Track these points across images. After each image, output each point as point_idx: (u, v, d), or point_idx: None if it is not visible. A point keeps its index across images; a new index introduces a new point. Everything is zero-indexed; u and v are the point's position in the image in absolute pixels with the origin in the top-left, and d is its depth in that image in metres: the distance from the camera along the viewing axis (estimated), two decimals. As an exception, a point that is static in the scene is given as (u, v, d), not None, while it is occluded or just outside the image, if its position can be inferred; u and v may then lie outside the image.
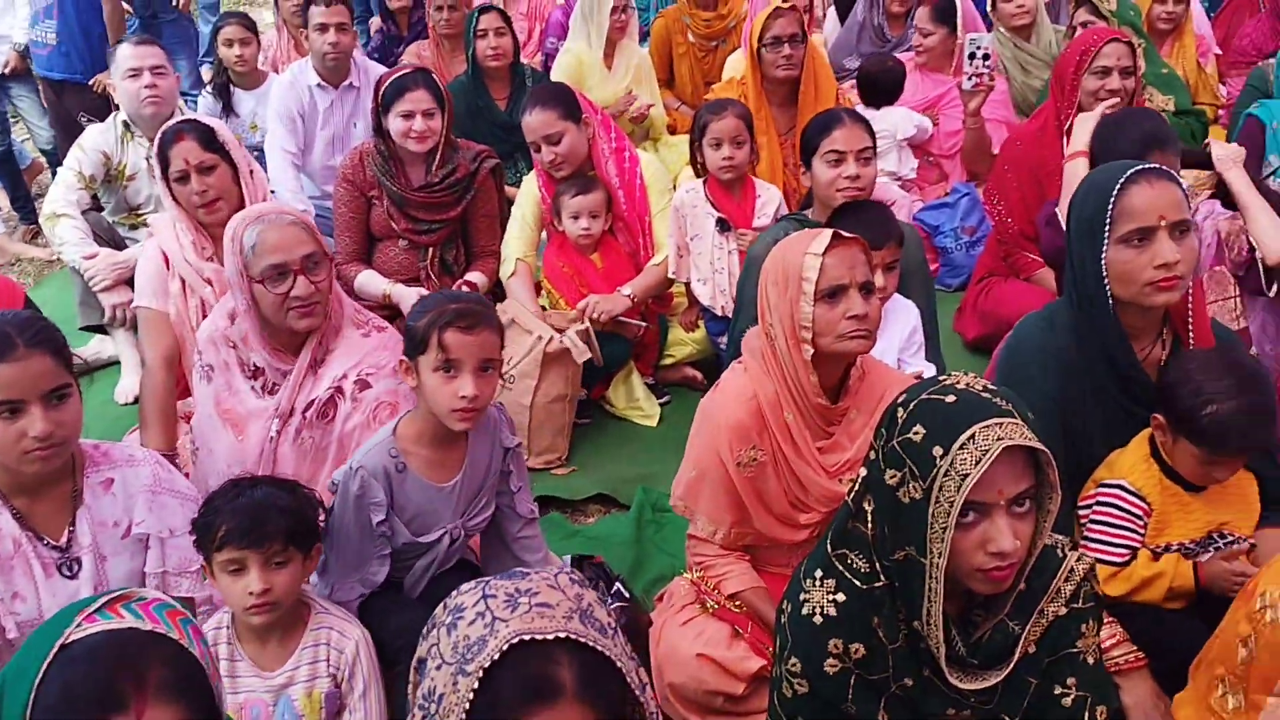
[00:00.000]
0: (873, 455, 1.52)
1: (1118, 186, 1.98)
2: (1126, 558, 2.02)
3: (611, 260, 3.33)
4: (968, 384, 1.44)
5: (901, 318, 2.70)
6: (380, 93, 3.42)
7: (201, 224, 2.83)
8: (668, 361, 3.45)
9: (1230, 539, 2.03)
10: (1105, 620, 1.94)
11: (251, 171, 2.91)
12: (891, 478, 1.45)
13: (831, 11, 6.06)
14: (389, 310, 3.46)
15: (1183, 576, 1.98)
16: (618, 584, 2.29)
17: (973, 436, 1.37)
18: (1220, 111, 5.08)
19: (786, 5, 3.83)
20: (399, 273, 3.54)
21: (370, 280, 3.49)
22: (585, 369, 3.15)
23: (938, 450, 1.38)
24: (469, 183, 3.52)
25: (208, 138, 2.81)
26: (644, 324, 3.33)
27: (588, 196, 3.26)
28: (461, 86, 4.52)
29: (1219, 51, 5.52)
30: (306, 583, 1.91)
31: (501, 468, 2.18)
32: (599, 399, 3.37)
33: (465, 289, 3.45)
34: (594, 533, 2.83)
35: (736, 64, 4.67)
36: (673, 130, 5.26)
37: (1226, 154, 2.74)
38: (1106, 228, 1.99)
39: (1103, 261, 2.00)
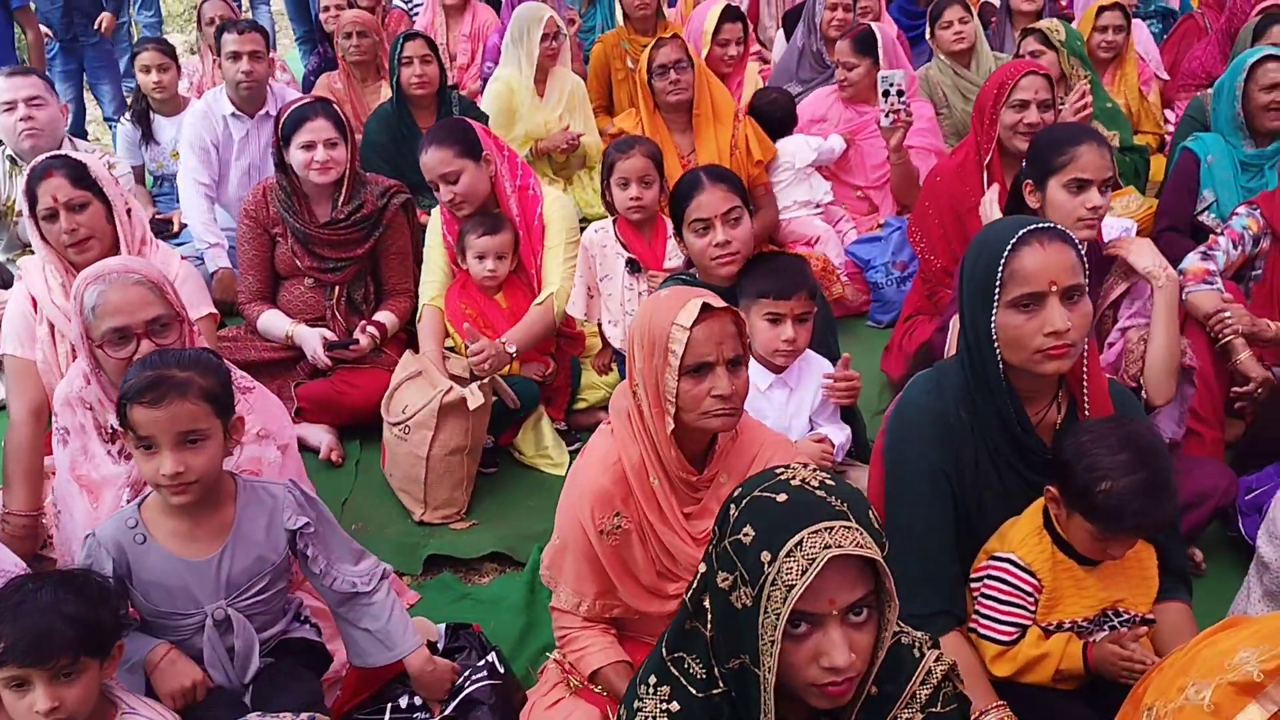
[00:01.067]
0: (710, 550, 1.40)
1: (1008, 247, 1.87)
2: (1015, 636, 1.91)
3: (516, 301, 3.20)
4: (803, 479, 1.33)
5: (816, 376, 2.59)
6: (280, 125, 3.29)
7: (72, 264, 2.66)
8: (580, 406, 3.32)
9: (1126, 617, 1.92)
10: (995, 704, 1.84)
11: (129, 210, 2.77)
12: (724, 581, 1.33)
13: (779, 35, 6.00)
14: (295, 351, 3.34)
15: (1071, 658, 1.86)
16: (492, 656, 2.16)
17: (800, 543, 1.25)
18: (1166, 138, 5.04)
19: (669, 35, 3.89)
20: (304, 312, 3.41)
21: (273, 321, 3.36)
22: (495, 413, 3.02)
23: (765, 556, 1.27)
24: (378, 219, 3.40)
25: (78, 174, 2.65)
26: (551, 368, 3.21)
27: (495, 237, 3.13)
28: (385, 115, 4.41)
29: (1166, 77, 5.48)
30: (112, 678, 1.75)
31: (294, 549, 1.99)
32: (508, 446, 3.23)
33: (373, 329, 3.33)
34: (486, 595, 2.68)
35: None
36: (609, 158, 5.16)
37: (1156, 266, 2.63)
38: (996, 290, 1.88)
39: (993, 325, 1.90)
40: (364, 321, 3.36)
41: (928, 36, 4.89)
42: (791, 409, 2.60)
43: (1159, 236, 3.73)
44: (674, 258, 3.14)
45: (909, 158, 3.95)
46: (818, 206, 4.18)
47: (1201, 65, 5.24)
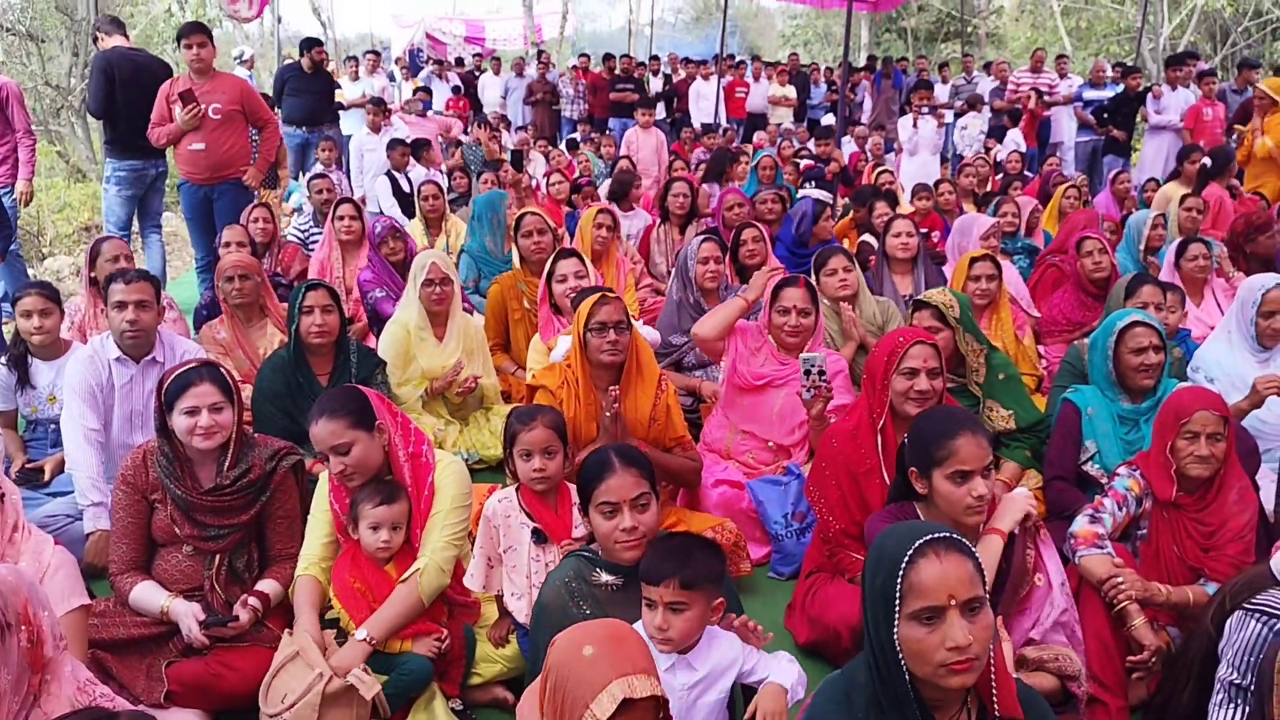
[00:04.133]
0: None
1: (906, 559, 1.88)
2: None
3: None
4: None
5: (729, 653, 2.49)
6: (163, 390, 3.19)
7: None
8: (475, 681, 3.13)
9: None
10: None
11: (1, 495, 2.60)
12: None
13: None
14: (168, 625, 3.13)
15: None
16: None
17: None
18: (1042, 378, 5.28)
19: (612, 294, 3.85)
20: (180, 582, 3.20)
21: (146, 595, 3.14)
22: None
23: None
24: (265, 483, 3.27)
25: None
26: (446, 640, 3.06)
27: (391, 507, 3.02)
28: (280, 362, 4.35)
29: (1037, 314, 5.79)
30: None
31: None
32: (399, 730, 3.02)
33: (255, 601, 3.15)
34: None
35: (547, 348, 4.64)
36: (508, 396, 5.16)
37: (1009, 520, 2.75)
38: (897, 602, 1.87)
39: (895, 637, 1.88)
40: (245, 594, 3.17)
41: (815, 282, 5.09)
42: (696, 692, 2.50)
43: (1048, 486, 3.85)
44: (581, 526, 3.08)
45: (828, 421, 4.00)
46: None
47: (1062, 313, 5.58)
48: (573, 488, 3.22)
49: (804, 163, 10.22)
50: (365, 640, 2.87)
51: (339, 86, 12.39)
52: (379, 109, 10.01)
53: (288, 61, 11.49)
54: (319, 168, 9.29)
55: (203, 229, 7.02)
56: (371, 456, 3.08)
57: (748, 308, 4.31)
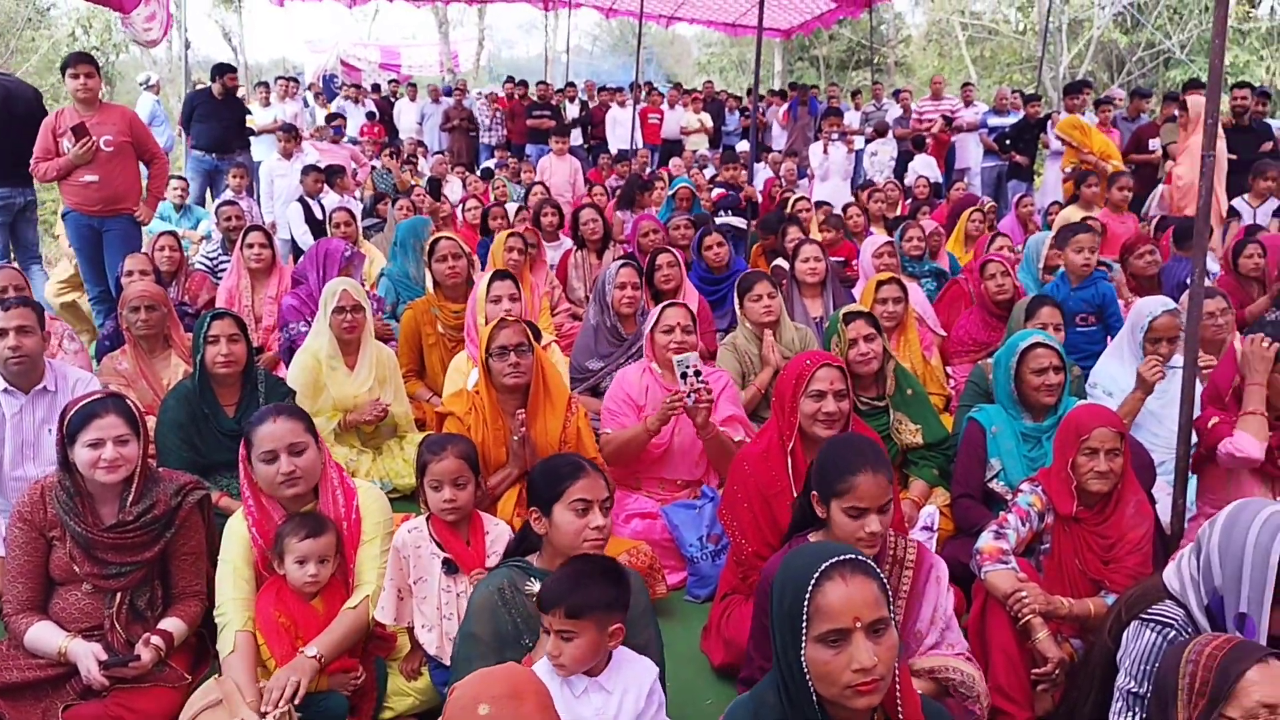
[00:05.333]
0: None
1: (812, 582, 1.91)
2: None
3: (334, 606, 3.00)
4: None
5: (640, 677, 2.49)
6: (65, 422, 3.10)
7: None
8: (387, 715, 3.08)
9: None
10: None
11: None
12: None
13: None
14: (66, 666, 3.02)
15: None
16: None
17: None
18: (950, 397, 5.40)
19: (512, 318, 3.87)
20: (79, 621, 3.10)
21: (43, 635, 3.03)
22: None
23: None
24: (170, 519, 3.18)
25: None
26: (361, 675, 3.00)
27: (318, 540, 2.96)
28: (185, 392, 4.23)
29: (944, 333, 5.93)
30: None
31: None
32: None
33: (157, 640, 3.06)
34: None
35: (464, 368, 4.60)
36: (422, 424, 5.11)
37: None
38: (803, 625, 1.90)
39: (803, 658, 1.90)
40: (148, 633, 3.08)
41: (737, 308, 5.15)
42: (610, 712, 2.50)
43: (955, 503, 3.94)
44: (493, 555, 3.06)
45: (719, 431, 4.04)
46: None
47: (968, 333, 5.73)
48: (486, 516, 3.22)
49: (716, 191, 10.35)
50: (315, 658, 2.82)
51: (249, 112, 12.21)
52: (290, 135, 9.88)
53: (199, 87, 11.28)
54: (229, 194, 9.13)
55: (92, 261, 6.81)
56: (316, 467, 3.07)
57: (648, 438, 4.11)
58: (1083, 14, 21.52)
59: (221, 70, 10.31)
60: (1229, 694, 2.04)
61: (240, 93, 11.05)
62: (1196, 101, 8.70)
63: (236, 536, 3.11)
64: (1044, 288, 5.97)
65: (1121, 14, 20.94)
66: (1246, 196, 8.61)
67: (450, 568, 3.03)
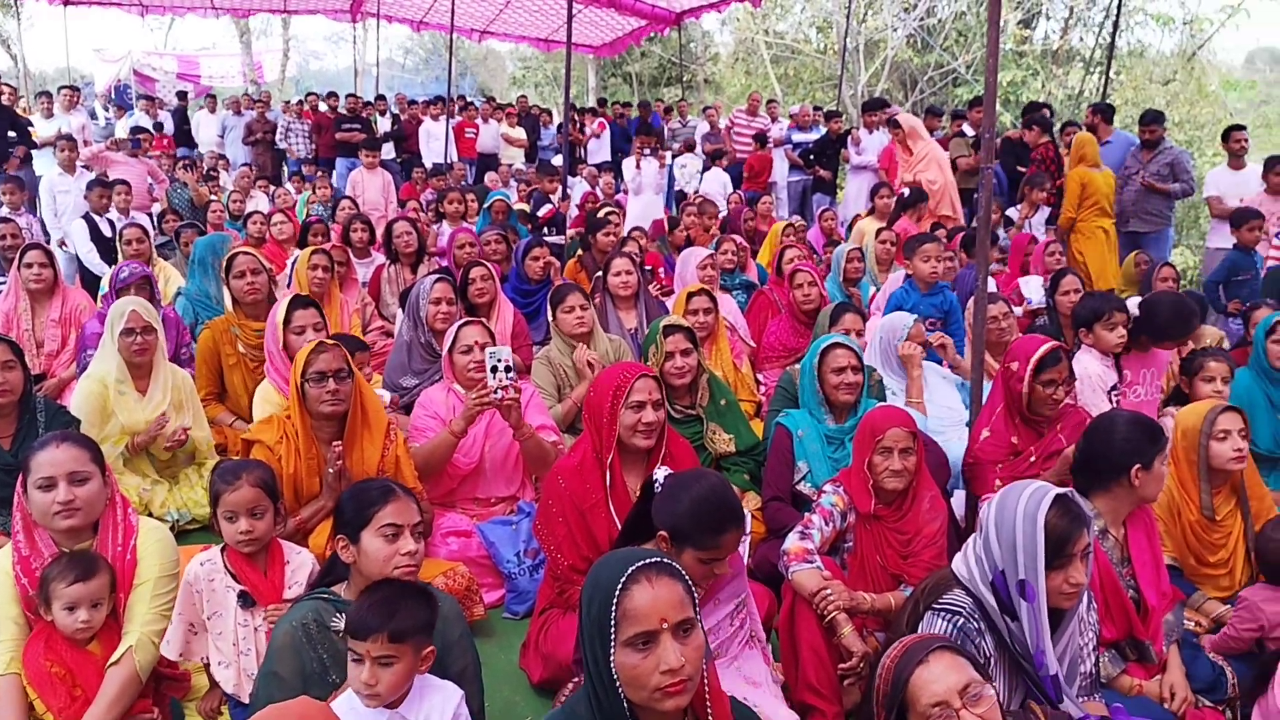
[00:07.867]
0: None
1: (619, 587, 1.90)
2: None
3: (112, 650, 2.77)
4: None
5: (443, 705, 2.42)
6: None
7: None
8: (186, 759, 2.93)
9: None
10: None
11: None
12: None
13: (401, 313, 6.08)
14: None
15: None
16: None
17: None
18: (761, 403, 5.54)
19: (331, 341, 3.71)
20: None
21: None
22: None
23: None
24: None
25: None
26: (154, 717, 2.81)
27: (89, 584, 2.69)
28: (-48, 424, 3.89)
29: (754, 344, 6.10)
30: None
31: None
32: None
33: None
34: None
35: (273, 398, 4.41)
36: (223, 449, 4.87)
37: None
38: (612, 630, 1.89)
39: (612, 665, 1.90)
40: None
41: (550, 319, 5.13)
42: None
43: (766, 506, 4.03)
44: (294, 585, 2.92)
45: (534, 432, 3.99)
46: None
47: (779, 340, 5.90)
48: (287, 545, 3.08)
49: (546, 208, 10.30)
50: None
51: (30, 124, 11.39)
52: (70, 145, 9.25)
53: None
54: (4, 211, 8.46)
55: None
56: (99, 501, 2.82)
57: (455, 442, 4.02)
58: (878, 35, 22.62)
59: (-12, 79, 9.59)
60: (906, 702, 2.10)
61: (20, 105, 10.30)
62: (908, 118, 10.19)
63: (2, 571, 2.83)
64: (893, 295, 6.24)
65: (913, 35, 22.15)
66: (1020, 205, 9.22)
67: (246, 600, 2.88)
